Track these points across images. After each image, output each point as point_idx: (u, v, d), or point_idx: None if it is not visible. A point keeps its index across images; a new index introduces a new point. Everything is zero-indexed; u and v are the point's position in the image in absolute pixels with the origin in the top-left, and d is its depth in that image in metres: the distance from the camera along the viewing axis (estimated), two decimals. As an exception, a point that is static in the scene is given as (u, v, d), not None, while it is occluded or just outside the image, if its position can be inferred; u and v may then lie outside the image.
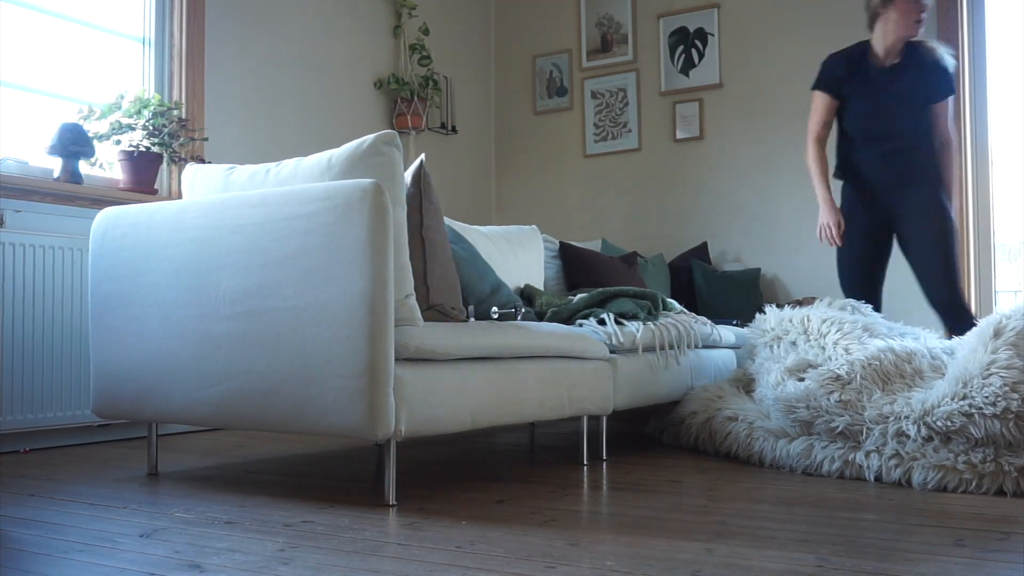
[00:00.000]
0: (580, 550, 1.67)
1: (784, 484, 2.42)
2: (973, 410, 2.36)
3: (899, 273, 3.65)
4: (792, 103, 4.95)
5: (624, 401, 2.95)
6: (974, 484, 2.29)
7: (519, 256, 3.69)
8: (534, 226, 3.96)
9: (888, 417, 2.51)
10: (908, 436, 2.46)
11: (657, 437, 3.38)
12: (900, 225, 3.53)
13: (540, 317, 3.16)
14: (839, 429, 2.59)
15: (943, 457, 2.38)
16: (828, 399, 2.61)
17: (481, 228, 3.63)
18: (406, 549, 1.69)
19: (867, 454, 2.51)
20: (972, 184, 4.55)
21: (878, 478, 2.47)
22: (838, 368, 2.69)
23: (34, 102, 3.48)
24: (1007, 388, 2.34)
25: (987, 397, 2.35)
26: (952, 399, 2.40)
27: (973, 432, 2.36)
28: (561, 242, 4.17)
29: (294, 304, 2.15)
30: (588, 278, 3.98)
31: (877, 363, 2.69)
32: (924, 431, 2.44)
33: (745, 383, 3.28)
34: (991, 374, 2.38)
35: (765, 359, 3.08)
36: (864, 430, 2.56)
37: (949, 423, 2.38)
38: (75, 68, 3.61)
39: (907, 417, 2.47)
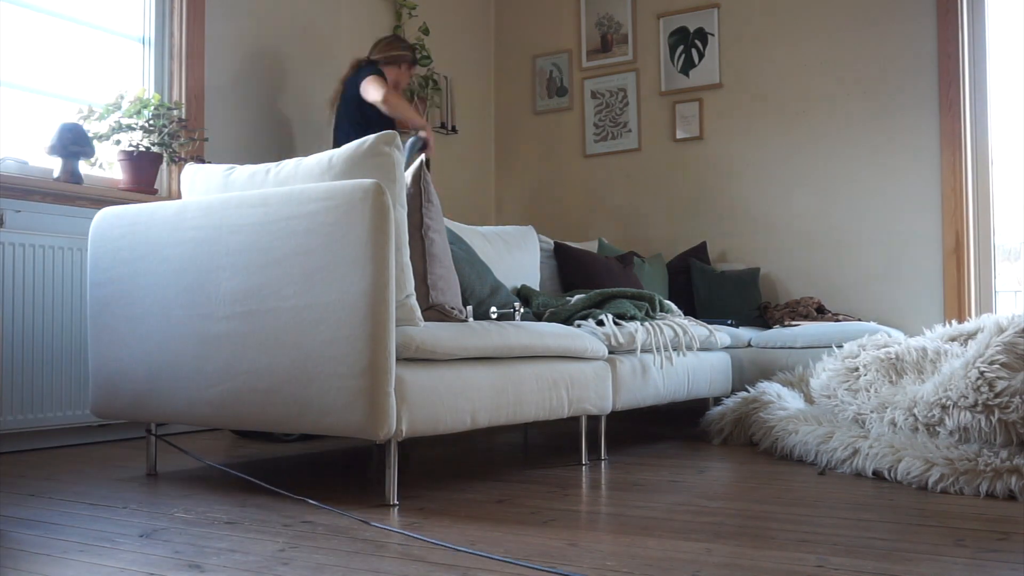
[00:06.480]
0: (580, 550, 1.67)
1: (784, 484, 2.42)
2: (949, 403, 2.40)
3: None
4: (792, 103, 4.95)
5: (623, 401, 2.95)
6: (950, 481, 2.26)
7: (515, 256, 3.69)
8: (530, 226, 3.96)
9: (886, 406, 2.58)
10: (896, 424, 2.53)
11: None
12: None
13: (538, 318, 3.16)
14: (850, 416, 2.76)
15: (928, 450, 2.38)
16: (841, 388, 2.83)
17: (478, 228, 3.63)
18: (406, 549, 1.69)
19: (870, 444, 2.54)
20: (972, 184, 4.55)
21: (877, 472, 2.48)
22: (854, 361, 2.90)
23: (34, 102, 3.48)
24: (982, 383, 2.35)
25: (962, 390, 2.38)
26: (935, 391, 2.45)
27: (948, 423, 2.39)
28: (556, 242, 4.16)
29: (294, 304, 2.15)
30: (583, 278, 3.98)
31: (893, 357, 2.78)
32: (911, 421, 2.50)
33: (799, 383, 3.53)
34: (973, 369, 2.40)
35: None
36: (868, 418, 2.66)
37: (929, 415, 2.43)
38: (75, 68, 3.61)
39: (900, 407, 2.53)
